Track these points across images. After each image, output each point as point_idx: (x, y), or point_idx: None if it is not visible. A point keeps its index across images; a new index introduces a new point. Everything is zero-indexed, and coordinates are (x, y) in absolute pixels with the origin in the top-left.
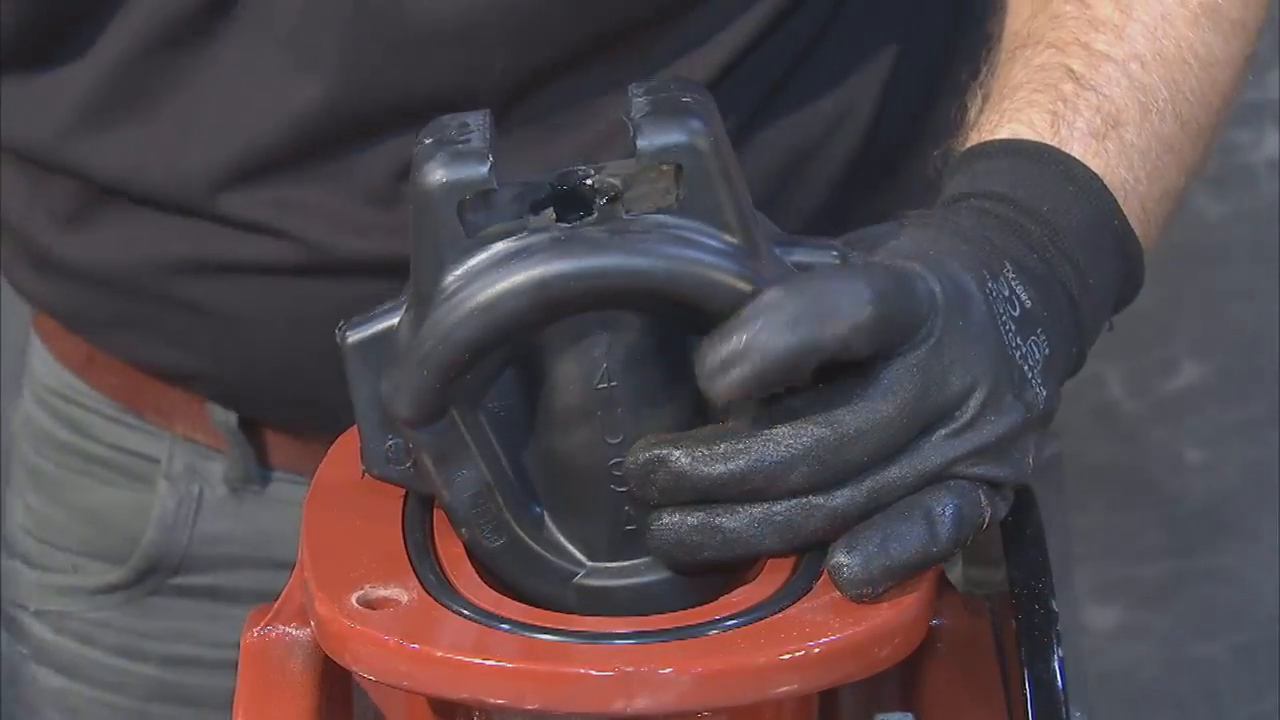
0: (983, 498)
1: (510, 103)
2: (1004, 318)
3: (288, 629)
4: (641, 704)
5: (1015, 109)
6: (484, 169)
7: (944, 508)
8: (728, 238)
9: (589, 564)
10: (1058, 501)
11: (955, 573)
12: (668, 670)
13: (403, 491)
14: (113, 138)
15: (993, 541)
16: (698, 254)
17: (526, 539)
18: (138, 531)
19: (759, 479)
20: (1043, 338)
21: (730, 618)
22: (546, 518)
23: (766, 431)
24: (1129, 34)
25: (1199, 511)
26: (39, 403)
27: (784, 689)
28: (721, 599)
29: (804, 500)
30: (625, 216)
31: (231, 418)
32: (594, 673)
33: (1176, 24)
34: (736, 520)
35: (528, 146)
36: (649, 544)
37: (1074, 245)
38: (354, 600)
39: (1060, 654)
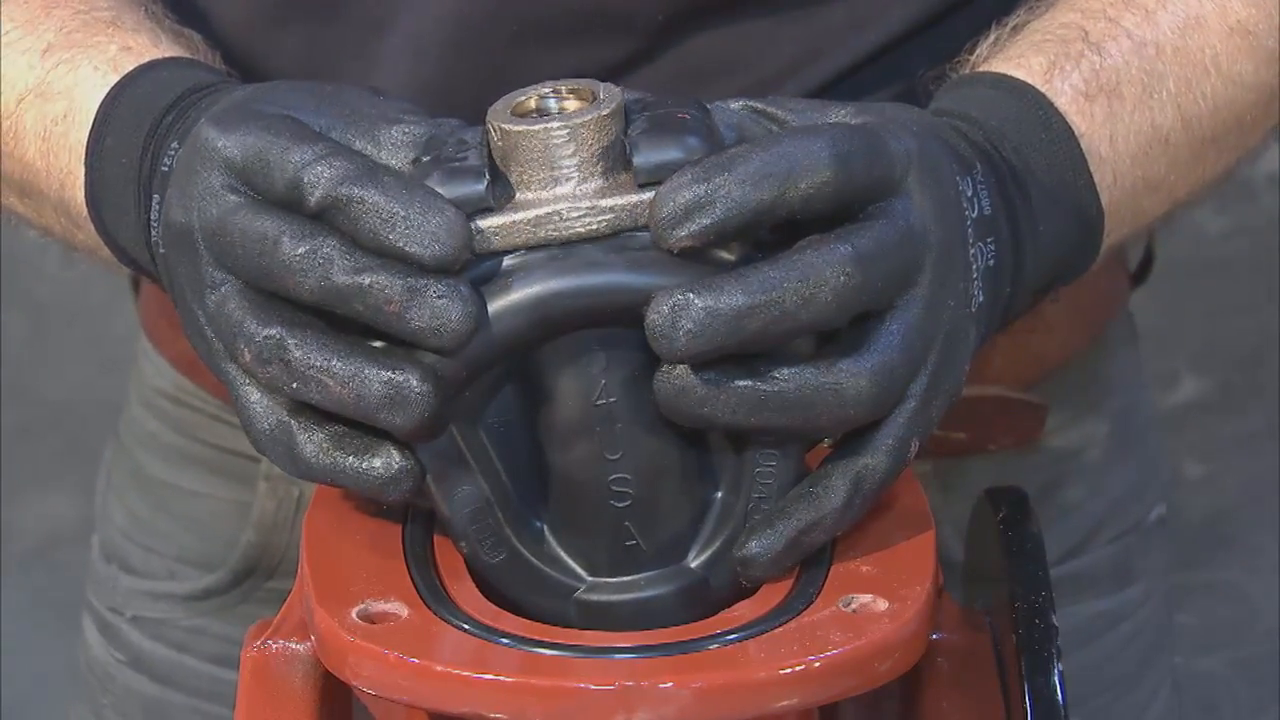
0: (913, 447)
1: (665, 34)
2: (966, 212)
3: (288, 643)
4: (642, 718)
5: (1018, 52)
6: (481, 186)
7: (842, 475)
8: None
9: (589, 579)
10: (1165, 564)
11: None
12: (668, 684)
13: (403, 506)
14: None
15: (993, 556)
16: (695, 271)
17: (527, 554)
18: (237, 534)
19: (791, 300)
20: (991, 248)
21: (731, 632)
22: (547, 533)
23: (796, 258)
24: (1156, 20)
25: (1199, 525)
26: (146, 406)
27: (784, 703)
28: (722, 614)
29: (814, 376)
30: (623, 234)
31: None
32: (594, 687)
33: (1208, 31)
34: (746, 381)
35: (679, 89)
36: (656, 396)
37: (1031, 186)
38: (354, 614)
39: (1060, 668)
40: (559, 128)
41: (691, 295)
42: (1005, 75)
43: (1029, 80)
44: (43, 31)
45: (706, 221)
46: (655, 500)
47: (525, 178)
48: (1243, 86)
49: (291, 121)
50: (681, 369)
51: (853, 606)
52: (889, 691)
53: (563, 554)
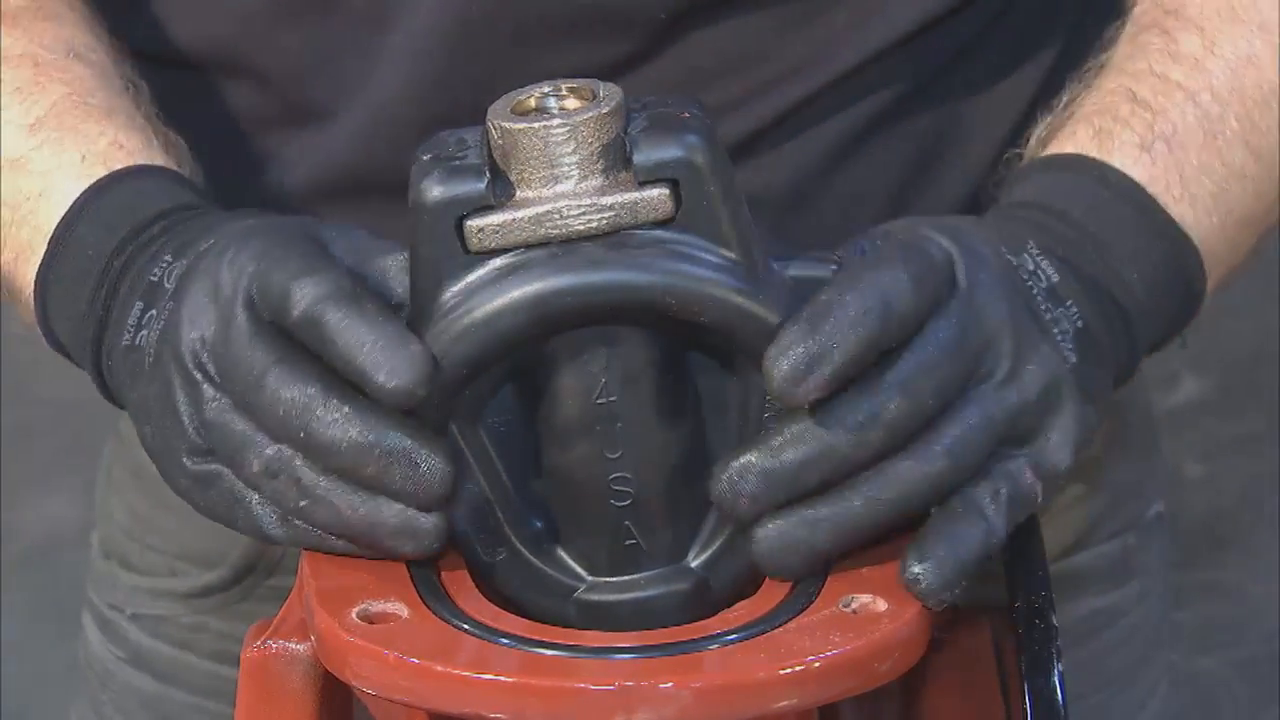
0: (1028, 474)
1: (666, 33)
2: (1030, 284)
3: (288, 643)
4: (642, 718)
5: (1069, 131)
6: (481, 185)
7: (993, 496)
8: (725, 252)
9: (590, 579)
10: (1163, 561)
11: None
12: (668, 684)
13: None
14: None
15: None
16: (696, 269)
17: (527, 554)
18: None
19: (845, 448)
20: (1074, 309)
21: (731, 633)
22: (547, 533)
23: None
24: (1208, 67)
25: (1198, 526)
26: None
27: (784, 704)
28: (722, 614)
29: (890, 469)
30: (623, 232)
31: None
32: (594, 687)
33: (1263, 67)
34: (835, 504)
35: (680, 88)
36: (756, 560)
37: (1109, 240)
38: (354, 615)
39: (1060, 669)
40: (559, 126)
41: (757, 455)
42: (1054, 155)
43: (1078, 151)
44: (32, 105)
45: (828, 370)
46: (655, 500)
47: (525, 176)
48: None
49: (305, 240)
50: (772, 525)
51: (853, 606)
52: (889, 691)
53: (563, 554)
